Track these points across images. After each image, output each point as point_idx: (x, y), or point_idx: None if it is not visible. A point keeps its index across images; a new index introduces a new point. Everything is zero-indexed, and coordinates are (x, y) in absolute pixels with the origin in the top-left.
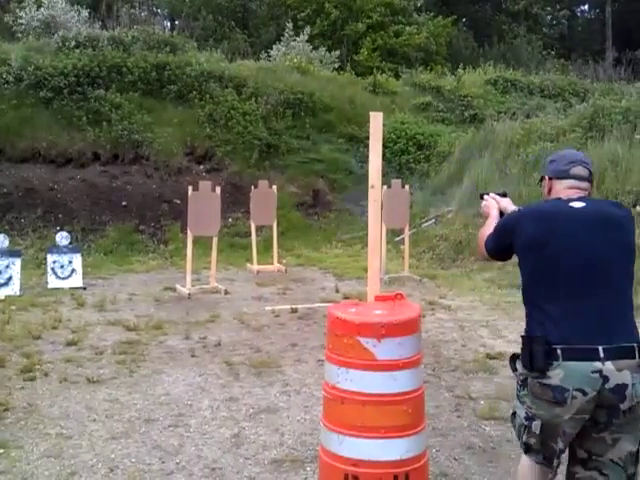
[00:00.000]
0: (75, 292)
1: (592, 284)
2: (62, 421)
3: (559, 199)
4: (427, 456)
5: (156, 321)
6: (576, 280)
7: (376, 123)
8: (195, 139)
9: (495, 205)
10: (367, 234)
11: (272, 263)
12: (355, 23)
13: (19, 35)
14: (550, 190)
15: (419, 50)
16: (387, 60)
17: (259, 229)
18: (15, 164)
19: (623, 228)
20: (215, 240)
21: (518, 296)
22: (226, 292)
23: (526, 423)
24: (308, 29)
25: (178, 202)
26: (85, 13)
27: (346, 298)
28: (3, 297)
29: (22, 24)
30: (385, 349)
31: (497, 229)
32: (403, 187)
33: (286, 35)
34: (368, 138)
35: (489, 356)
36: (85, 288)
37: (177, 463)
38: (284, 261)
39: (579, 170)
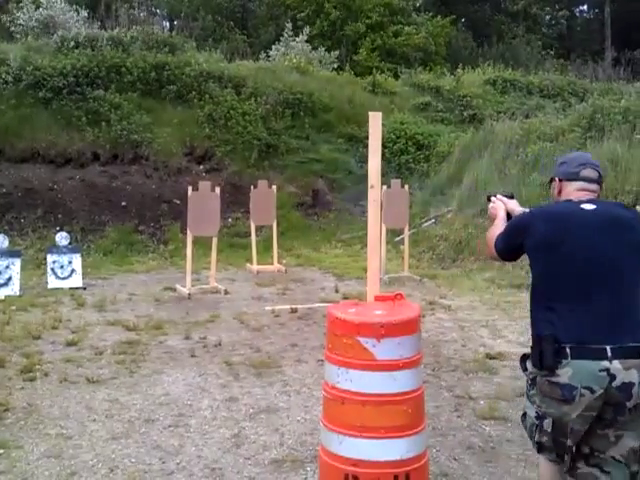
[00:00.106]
0: (75, 292)
1: (602, 284)
2: (62, 421)
3: (570, 201)
4: (427, 456)
5: (156, 321)
6: (587, 280)
7: (375, 123)
8: (194, 139)
9: (502, 206)
10: (367, 234)
11: (272, 263)
12: (354, 23)
13: (17, 36)
14: (560, 192)
15: (418, 50)
16: (386, 60)
17: (259, 229)
18: (14, 164)
19: (634, 229)
20: (215, 240)
21: (518, 296)
22: (226, 292)
23: (537, 422)
24: (307, 29)
25: (178, 202)
26: (84, 13)
27: (346, 298)
28: (3, 297)
29: (20, 25)
30: (385, 349)
31: (508, 229)
32: (403, 187)
33: (285, 35)
34: (367, 138)
35: (489, 356)
36: (85, 288)
37: (177, 463)
38: (284, 261)
39: (589, 172)
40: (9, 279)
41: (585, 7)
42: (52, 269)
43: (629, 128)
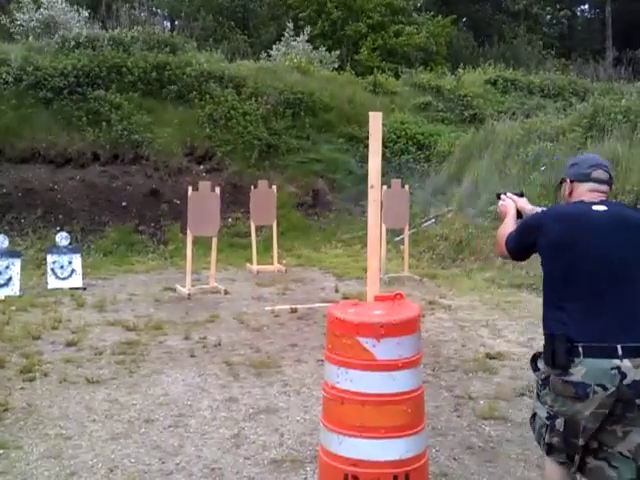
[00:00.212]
0: (75, 292)
1: (613, 284)
2: (62, 421)
3: (582, 202)
4: (427, 456)
5: (156, 321)
6: (598, 280)
7: (376, 123)
8: (195, 139)
9: (512, 205)
10: (367, 234)
11: (272, 263)
12: (355, 23)
13: (17, 37)
14: (571, 193)
15: (419, 50)
16: (387, 60)
17: (259, 229)
18: (15, 164)
19: None
20: (215, 240)
21: (518, 296)
22: (226, 292)
23: (548, 422)
24: (308, 29)
25: (178, 202)
26: (85, 13)
27: (346, 298)
28: (3, 297)
29: (21, 25)
30: (384, 349)
31: (520, 228)
32: (403, 187)
33: (286, 35)
34: (368, 138)
35: (489, 356)
36: (85, 288)
37: (177, 463)
38: (284, 261)
39: (600, 174)
40: (9, 279)
41: (586, 7)
42: (52, 269)
43: (630, 128)
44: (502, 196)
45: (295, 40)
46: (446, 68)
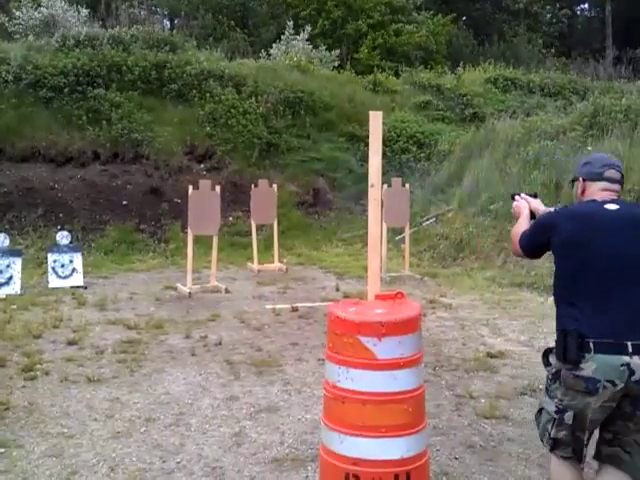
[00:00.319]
0: (76, 291)
1: (623, 282)
2: (63, 420)
3: (594, 201)
4: (428, 455)
5: (157, 320)
6: (609, 278)
7: (376, 122)
8: (195, 138)
9: (526, 205)
10: (367, 233)
11: (273, 262)
12: (355, 22)
13: (17, 36)
14: (584, 191)
15: (419, 49)
16: (387, 59)
17: (259, 228)
18: (15, 163)
19: None
20: (215, 239)
21: (519, 295)
22: (227, 291)
23: (556, 416)
24: (309, 28)
25: (178, 201)
26: (85, 12)
27: (346, 297)
28: (4, 296)
29: (20, 24)
30: (385, 348)
31: (533, 227)
32: (403, 186)
33: (287, 34)
34: (368, 137)
35: (490, 355)
36: (86, 287)
37: (178, 462)
38: (284, 260)
39: (612, 173)
40: (10, 278)
41: (586, 5)
42: (53, 268)
43: (630, 127)
44: (516, 197)
45: (295, 39)
46: (446, 67)
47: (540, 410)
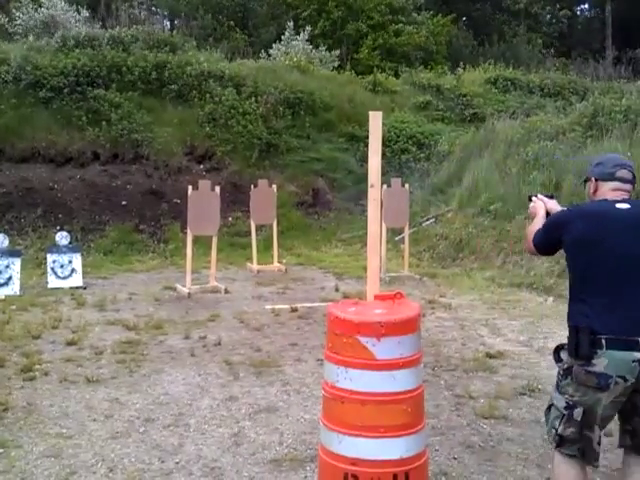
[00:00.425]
0: (75, 292)
1: (633, 279)
2: (62, 421)
3: (605, 200)
4: (427, 455)
5: (156, 320)
6: (620, 276)
7: (375, 122)
8: (195, 138)
9: (543, 206)
10: (367, 233)
11: (272, 262)
12: (355, 22)
13: (17, 36)
14: (596, 191)
15: (419, 49)
16: (387, 59)
17: (259, 228)
18: (15, 164)
19: None
20: (215, 239)
21: (518, 295)
22: (226, 291)
23: (566, 412)
24: (309, 28)
25: (178, 201)
26: (85, 13)
27: (346, 297)
28: (3, 297)
29: (20, 24)
30: (384, 348)
31: (546, 225)
32: (403, 186)
33: (287, 34)
34: (368, 137)
35: (489, 355)
36: (85, 288)
37: (177, 462)
38: (284, 260)
39: (624, 173)
40: (9, 279)
41: (586, 6)
42: (52, 268)
43: (630, 127)
44: (533, 198)
45: (295, 39)
46: (446, 67)
47: (550, 407)
